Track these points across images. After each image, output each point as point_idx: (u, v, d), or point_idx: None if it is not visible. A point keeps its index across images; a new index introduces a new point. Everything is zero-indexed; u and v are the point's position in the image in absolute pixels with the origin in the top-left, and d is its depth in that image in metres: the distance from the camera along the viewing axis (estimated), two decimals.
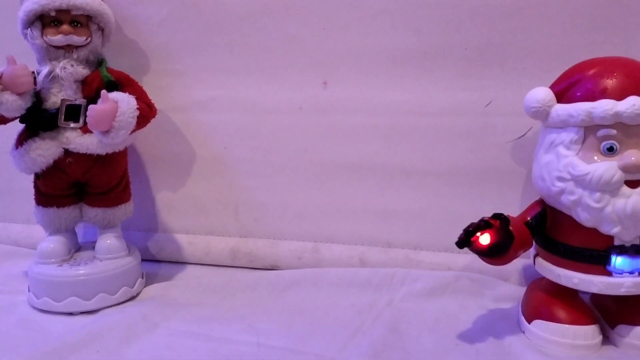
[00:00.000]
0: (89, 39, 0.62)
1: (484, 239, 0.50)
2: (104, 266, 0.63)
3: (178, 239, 0.77)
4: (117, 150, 0.63)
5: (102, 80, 0.62)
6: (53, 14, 0.59)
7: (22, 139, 0.61)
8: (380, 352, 0.51)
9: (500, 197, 0.66)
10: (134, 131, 0.61)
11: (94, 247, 0.67)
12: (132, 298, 0.65)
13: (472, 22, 0.64)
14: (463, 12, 0.63)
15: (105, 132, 0.59)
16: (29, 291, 0.64)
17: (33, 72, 0.60)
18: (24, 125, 0.63)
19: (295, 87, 0.70)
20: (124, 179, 0.68)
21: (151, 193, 0.78)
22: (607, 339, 0.53)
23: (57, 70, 0.60)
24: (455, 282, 0.64)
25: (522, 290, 0.59)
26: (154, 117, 0.64)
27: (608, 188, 0.48)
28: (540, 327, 0.53)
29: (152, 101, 0.65)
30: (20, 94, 0.58)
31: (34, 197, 0.66)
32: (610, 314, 0.54)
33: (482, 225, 0.50)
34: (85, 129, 0.61)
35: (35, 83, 0.60)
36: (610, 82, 0.49)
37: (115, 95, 0.60)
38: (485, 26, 0.63)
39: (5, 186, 0.85)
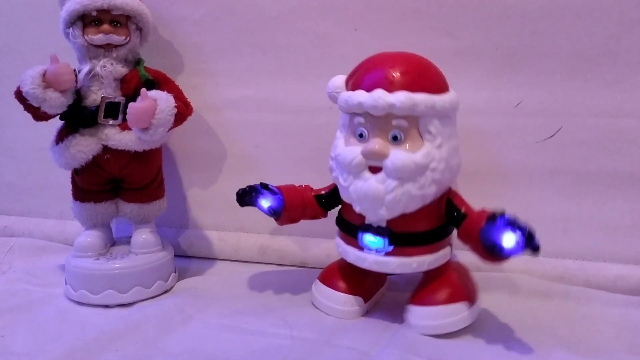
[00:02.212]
0: (128, 39, 0.63)
1: (265, 202, 0.61)
2: (139, 260, 0.65)
3: (209, 236, 0.79)
4: (154, 148, 0.65)
5: (140, 78, 0.64)
6: (94, 13, 0.61)
7: (62, 135, 0.63)
8: (413, 348, 0.52)
9: (530, 197, 0.67)
10: (171, 129, 0.62)
11: (128, 242, 0.69)
12: (166, 292, 0.67)
13: (503, 23, 0.64)
14: (494, 13, 0.64)
15: (144, 130, 0.60)
16: (65, 284, 0.65)
17: (74, 70, 0.61)
18: (64, 122, 0.64)
19: (327, 86, 0.71)
20: (158, 176, 0.69)
21: (183, 190, 0.80)
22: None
23: (98, 69, 0.62)
24: None
25: None
26: (190, 115, 0.65)
27: (351, 170, 0.53)
28: (317, 287, 0.62)
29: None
30: (62, 92, 0.59)
31: (71, 192, 0.68)
32: (412, 296, 0.58)
33: (249, 190, 0.61)
34: (123, 126, 0.62)
35: (76, 81, 0.61)
36: (369, 76, 0.54)
37: (154, 93, 0.61)
38: (517, 27, 0.64)
39: (38, 182, 0.87)
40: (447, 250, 0.57)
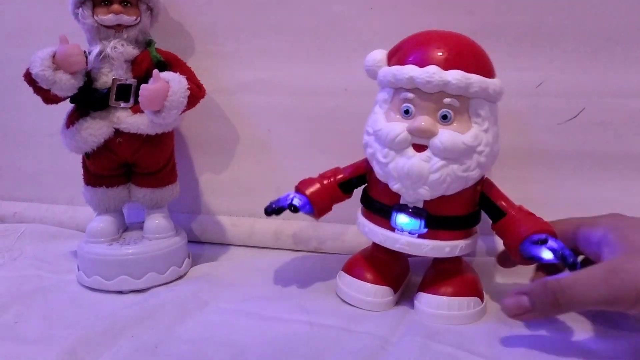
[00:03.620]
0: (139, 19, 0.62)
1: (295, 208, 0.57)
2: (153, 245, 0.64)
3: (221, 221, 0.78)
4: (166, 131, 0.64)
5: (151, 60, 0.62)
6: None
7: (73, 119, 0.62)
8: (435, 335, 0.51)
9: (552, 179, 0.65)
10: (184, 111, 0.61)
11: (140, 228, 0.68)
12: (180, 277, 0.66)
13: (525, 2, 0.62)
14: None
15: (157, 112, 0.59)
16: (78, 270, 0.65)
17: (85, 52, 0.60)
18: (73, 105, 0.63)
19: (341, 68, 0.69)
20: (171, 160, 0.68)
21: (195, 175, 0.79)
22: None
23: (108, 50, 0.60)
24: None
25: None
26: (203, 97, 0.64)
27: (394, 146, 0.51)
28: (342, 279, 0.60)
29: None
30: (73, 73, 0.58)
31: (82, 177, 0.67)
32: (422, 284, 0.57)
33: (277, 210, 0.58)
34: (135, 109, 0.61)
35: (86, 63, 0.60)
36: (420, 51, 0.52)
37: (167, 75, 0.60)
38: (539, 6, 0.62)
39: (48, 168, 0.86)
40: (476, 237, 0.57)
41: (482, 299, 0.56)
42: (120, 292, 0.62)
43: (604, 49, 0.62)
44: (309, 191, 0.58)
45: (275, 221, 0.75)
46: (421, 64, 0.50)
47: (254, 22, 0.72)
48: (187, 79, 0.61)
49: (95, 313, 0.57)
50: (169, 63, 0.63)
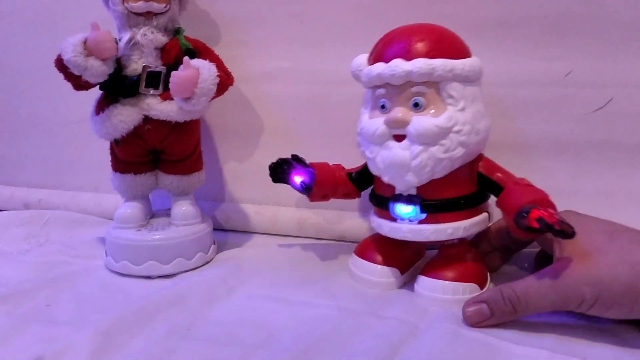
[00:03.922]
0: (168, 6, 0.62)
1: (297, 178, 0.61)
2: (180, 232, 0.64)
3: (245, 209, 0.78)
4: (194, 119, 0.64)
5: (180, 48, 0.62)
6: None
7: (102, 106, 0.62)
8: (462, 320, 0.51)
9: (578, 170, 0.65)
10: (212, 98, 0.61)
11: (166, 214, 0.69)
12: (206, 263, 0.67)
13: None
14: None
15: (187, 99, 0.59)
16: (106, 255, 0.65)
17: (115, 39, 0.60)
18: (102, 92, 0.64)
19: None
20: (197, 148, 0.68)
21: (219, 163, 0.79)
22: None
23: (138, 37, 0.61)
24: None
25: None
26: (231, 85, 0.64)
27: (375, 140, 0.54)
28: (353, 261, 0.62)
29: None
30: (104, 60, 0.58)
31: (111, 163, 0.67)
32: (426, 268, 0.58)
33: (281, 162, 0.61)
34: (164, 96, 0.62)
35: (117, 49, 0.60)
36: (388, 49, 0.54)
37: (197, 62, 0.60)
38: None
39: (74, 156, 0.87)
40: (484, 216, 0.57)
41: (481, 286, 0.56)
42: (149, 278, 0.62)
43: (633, 39, 0.61)
44: (317, 165, 0.62)
45: (298, 210, 0.76)
46: (388, 60, 0.53)
47: (279, 11, 0.72)
48: (216, 66, 0.61)
49: (126, 297, 0.58)
50: (197, 51, 0.64)
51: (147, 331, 0.50)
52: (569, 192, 0.65)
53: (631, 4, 0.60)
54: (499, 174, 0.55)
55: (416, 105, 0.52)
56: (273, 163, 0.61)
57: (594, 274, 0.45)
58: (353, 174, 0.62)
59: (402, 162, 0.52)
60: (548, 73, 0.64)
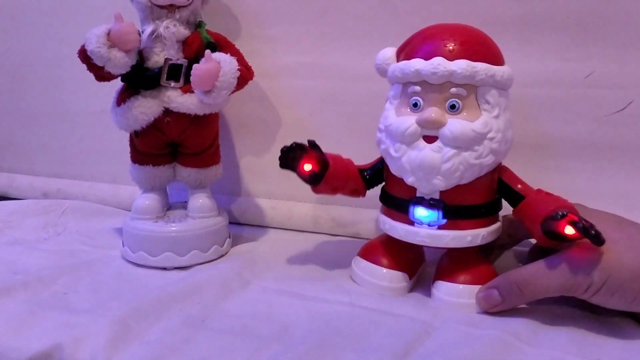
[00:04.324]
0: (191, 0, 0.63)
1: (307, 166, 0.57)
2: (197, 224, 0.65)
3: (261, 204, 0.79)
4: (213, 112, 0.65)
5: (202, 41, 0.63)
6: None
7: (124, 97, 0.63)
8: (478, 322, 0.51)
9: (597, 171, 0.65)
10: (233, 92, 0.62)
11: (183, 207, 0.70)
12: (222, 256, 0.67)
13: None
14: None
15: (208, 92, 0.60)
16: (123, 246, 0.66)
17: (138, 31, 0.61)
18: (124, 83, 0.64)
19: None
20: (215, 142, 0.69)
21: (236, 157, 0.80)
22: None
23: (161, 30, 0.61)
24: None
25: None
26: (251, 78, 0.64)
27: (404, 140, 0.52)
28: (357, 263, 0.60)
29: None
30: (127, 51, 0.59)
31: (130, 155, 0.68)
32: (439, 272, 0.57)
33: (295, 147, 0.57)
34: (185, 89, 0.62)
35: (139, 41, 0.61)
36: (426, 45, 0.53)
37: (218, 55, 0.60)
38: None
39: (92, 147, 0.88)
40: (499, 225, 0.56)
41: None
42: (164, 269, 0.63)
43: None
44: (330, 155, 0.58)
45: (314, 206, 0.76)
46: (427, 57, 0.51)
47: (299, 6, 0.72)
48: (237, 60, 0.61)
49: (142, 287, 0.58)
50: (218, 44, 0.64)
51: (163, 321, 0.50)
52: (588, 193, 0.64)
53: None
54: (520, 185, 0.54)
55: (452, 107, 0.51)
56: (286, 146, 0.57)
57: (603, 259, 0.46)
58: (365, 171, 0.60)
59: (432, 165, 0.51)
60: (569, 74, 0.63)
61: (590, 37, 0.62)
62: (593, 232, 0.45)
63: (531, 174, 0.56)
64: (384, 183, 0.60)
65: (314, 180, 0.57)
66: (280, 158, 0.57)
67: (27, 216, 0.81)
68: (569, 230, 0.47)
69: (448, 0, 0.66)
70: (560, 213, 0.47)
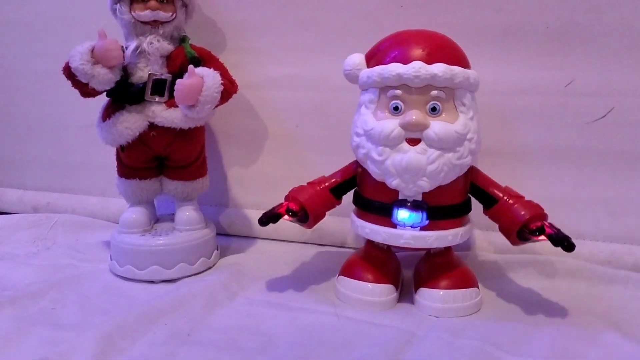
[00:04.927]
0: (174, 15, 0.63)
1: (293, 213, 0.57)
2: (184, 237, 0.65)
3: (248, 214, 0.79)
4: (198, 126, 0.65)
5: (185, 56, 0.63)
6: None
7: (109, 112, 0.63)
8: (460, 332, 0.51)
9: (579, 178, 0.65)
10: (217, 106, 0.62)
11: (171, 219, 0.70)
12: (209, 268, 0.67)
13: (554, 1, 0.62)
14: None
15: (191, 107, 0.60)
16: (111, 259, 0.66)
17: (122, 47, 0.61)
18: (109, 98, 0.65)
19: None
20: (201, 154, 0.69)
21: (223, 169, 0.80)
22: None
23: (144, 45, 0.62)
24: None
25: None
26: (235, 92, 0.65)
27: (388, 143, 0.52)
28: (342, 283, 0.59)
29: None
30: (110, 68, 0.59)
31: (116, 169, 0.68)
32: (420, 280, 0.58)
33: (274, 217, 0.56)
34: (169, 104, 0.63)
35: (123, 57, 0.61)
36: (401, 49, 0.54)
37: (201, 70, 0.61)
38: (569, 4, 0.62)
39: (81, 160, 0.89)
40: (471, 225, 0.58)
41: (479, 288, 0.57)
42: (152, 282, 0.63)
43: (633, 49, 0.62)
44: (303, 198, 0.58)
45: None
46: (405, 61, 0.52)
47: (283, 19, 0.73)
48: (221, 74, 0.62)
49: (129, 301, 0.59)
50: (202, 59, 0.65)
51: (148, 336, 0.51)
52: (569, 200, 0.65)
53: (631, 15, 0.61)
54: (491, 186, 0.56)
55: (433, 109, 0.52)
56: (264, 216, 0.56)
57: None
58: (336, 186, 0.59)
59: (418, 166, 0.51)
60: (549, 82, 0.64)
61: (570, 46, 0.63)
62: (566, 243, 0.48)
63: (513, 181, 0.57)
64: (356, 188, 0.60)
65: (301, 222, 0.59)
66: (259, 222, 0.57)
67: (17, 230, 0.82)
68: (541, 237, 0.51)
69: (432, 11, 0.67)
70: (538, 230, 0.51)
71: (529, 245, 0.66)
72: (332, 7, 0.70)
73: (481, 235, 0.70)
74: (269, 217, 0.56)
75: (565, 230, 0.56)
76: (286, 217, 0.57)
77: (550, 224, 0.51)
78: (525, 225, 0.52)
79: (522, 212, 0.53)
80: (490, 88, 0.66)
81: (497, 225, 0.56)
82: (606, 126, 0.64)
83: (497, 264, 0.66)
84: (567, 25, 0.63)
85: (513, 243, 0.55)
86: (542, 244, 0.52)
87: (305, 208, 0.57)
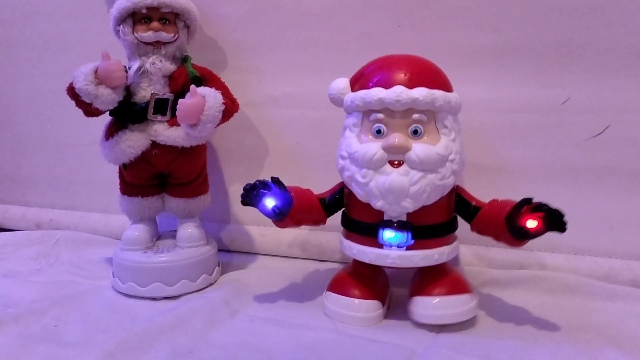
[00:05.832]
0: (176, 36, 0.64)
1: (269, 202, 0.56)
2: (185, 254, 0.66)
3: (250, 231, 0.80)
4: (200, 144, 0.66)
5: (187, 75, 0.65)
6: (144, 11, 0.62)
7: (112, 131, 0.64)
8: (460, 347, 0.52)
9: (575, 195, 0.66)
10: (218, 125, 0.63)
11: (172, 236, 0.71)
12: (211, 285, 0.68)
13: (550, 19, 0.64)
14: (542, 8, 0.64)
15: (193, 126, 0.61)
16: (113, 276, 0.67)
17: (125, 67, 0.62)
18: (112, 117, 0.66)
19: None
20: (203, 172, 0.70)
21: (225, 186, 0.81)
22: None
23: (147, 66, 0.63)
24: None
25: None
26: (236, 111, 0.66)
27: (371, 165, 0.54)
28: (329, 298, 0.60)
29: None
30: (114, 88, 0.61)
31: (119, 187, 0.69)
32: (413, 290, 0.59)
33: (258, 184, 0.56)
34: (172, 122, 0.64)
35: (126, 78, 0.62)
36: (384, 74, 0.55)
37: (203, 90, 0.62)
38: (565, 23, 0.63)
39: (84, 177, 0.90)
40: (457, 242, 0.59)
41: (473, 294, 0.58)
42: (154, 299, 0.64)
43: (629, 66, 0.63)
44: (291, 187, 0.58)
45: (302, 232, 0.77)
46: (387, 86, 0.54)
47: (284, 38, 0.74)
48: (222, 93, 0.63)
49: (131, 318, 0.59)
50: (204, 78, 0.66)
51: (150, 354, 0.51)
52: (567, 216, 0.65)
53: (627, 32, 0.62)
54: (474, 201, 0.57)
55: (415, 132, 0.54)
56: (249, 184, 0.57)
57: None
58: (325, 200, 0.60)
59: (401, 188, 0.52)
60: (546, 100, 0.65)
61: (566, 64, 0.64)
62: (557, 213, 0.49)
63: (511, 199, 0.57)
64: (343, 209, 0.61)
65: (278, 216, 0.57)
66: (242, 195, 0.57)
67: (20, 247, 0.82)
68: (531, 223, 0.50)
69: (429, 31, 0.68)
70: (521, 203, 0.51)
71: (527, 262, 0.67)
72: (331, 27, 0.72)
73: (482, 250, 0.70)
74: (252, 186, 0.57)
75: (564, 246, 0.57)
76: (268, 202, 0.56)
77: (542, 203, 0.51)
78: (513, 214, 0.51)
79: (505, 204, 0.53)
80: (487, 106, 0.67)
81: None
82: (603, 143, 0.64)
83: (496, 279, 0.66)
84: (563, 44, 0.64)
85: (505, 240, 0.54)
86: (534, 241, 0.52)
87: (291, 196, 0.57)
